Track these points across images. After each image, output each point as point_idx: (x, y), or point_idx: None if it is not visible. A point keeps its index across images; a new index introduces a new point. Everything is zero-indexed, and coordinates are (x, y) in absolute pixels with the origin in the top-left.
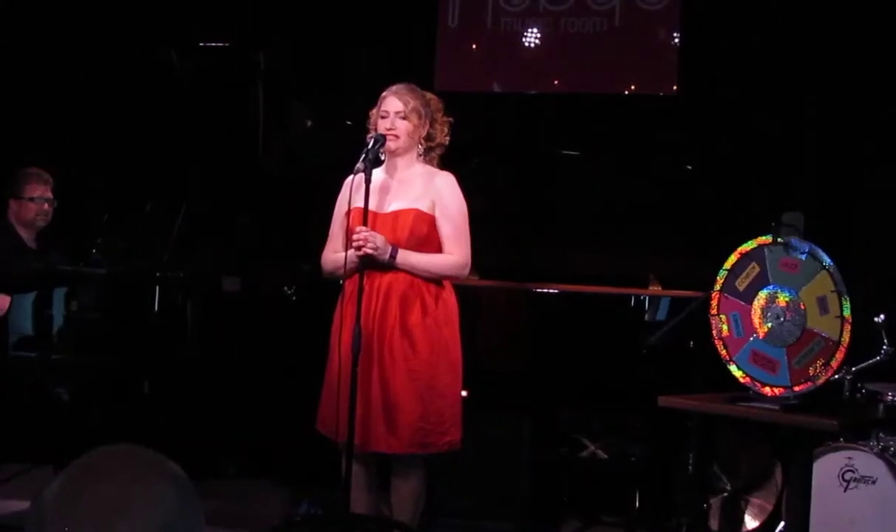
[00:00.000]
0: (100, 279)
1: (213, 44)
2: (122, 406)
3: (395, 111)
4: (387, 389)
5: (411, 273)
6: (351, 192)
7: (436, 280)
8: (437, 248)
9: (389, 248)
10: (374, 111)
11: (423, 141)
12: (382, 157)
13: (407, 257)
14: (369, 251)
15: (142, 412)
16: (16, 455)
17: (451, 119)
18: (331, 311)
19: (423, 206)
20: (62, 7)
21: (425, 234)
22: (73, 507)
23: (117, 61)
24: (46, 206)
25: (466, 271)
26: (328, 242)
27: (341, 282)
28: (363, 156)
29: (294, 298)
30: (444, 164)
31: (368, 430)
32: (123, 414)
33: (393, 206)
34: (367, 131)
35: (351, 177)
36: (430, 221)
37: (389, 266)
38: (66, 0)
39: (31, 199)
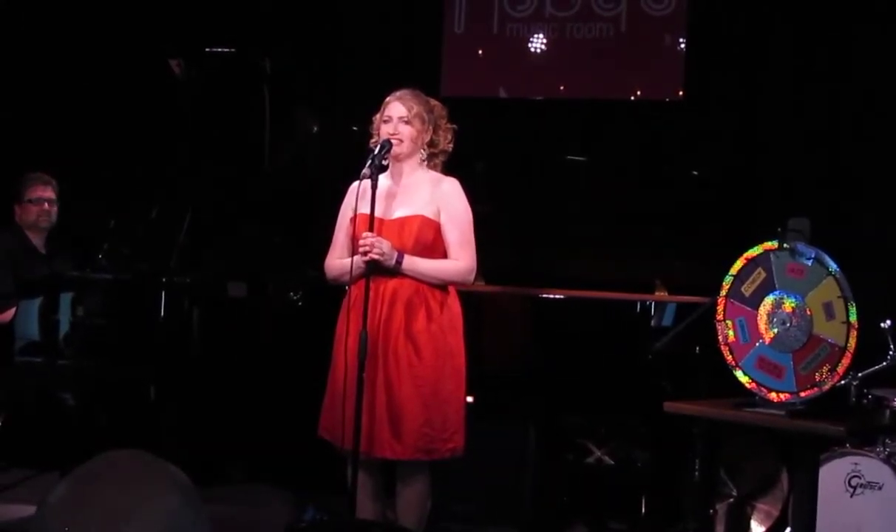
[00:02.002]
0: (106, 285)
1: (219, 50)
2: (128, 412)
3: (398, 116)
4: (392, 395)
5: (417, 279)
6: (357, 198)
7: (441, 286)
8: (443, 254)
9: (395, 254)
10: (378, 116)
11: (426, 147)
12: (386, 163)
13: (413, 263)
14: (375, 257)
15: (147, 418)
16: (22, 460)
17: (454, 126)
18: (337, 317)
19: (429, 213)
20: (68, 13)
21: (431, 241)
22: (78, 512)
23: (123, 67)
24: (46, 205)
25: (472, 277)
26: (332, 249)
27: (347, 287)
28: (369, 162)
29: (300, 304)
30: (450, 169)
31: (373, 436)
32: (129, 420)
33: (398, 212)
34: (371, 136)
35: (356, 183)
36: (435, 228)
37: (395, 272)
38: (72, 6)
39: (30, 201)
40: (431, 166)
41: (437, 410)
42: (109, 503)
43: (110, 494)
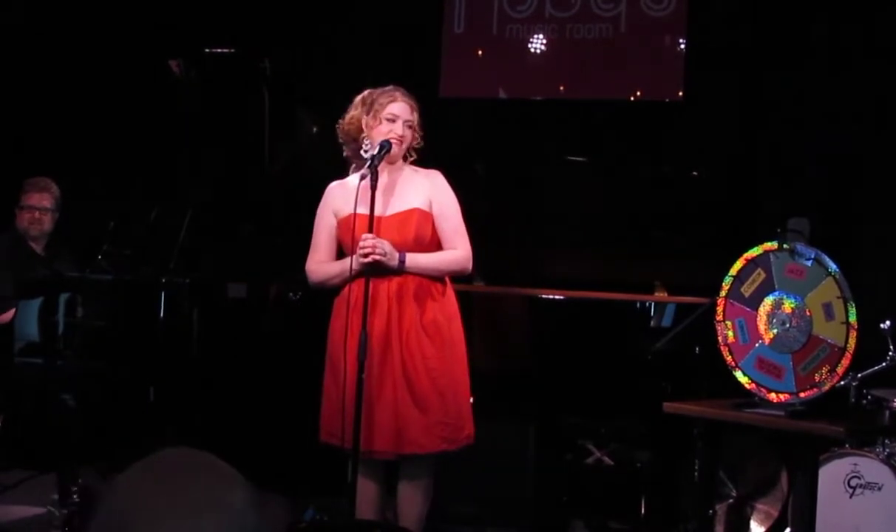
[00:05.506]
0: (105, 286)
1: (219, 50)
2: (128, 413)
3: (405, 119)
4: (413, 391)
5: (419, 274)
6: (356, 198)
7: (440, 278)
8: (437, 246)
9: (397, 254)
10: (367, 111)
11: (412, 148)
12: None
13: (415, 260)
14: (378, 257)
15: (147, 419)
16: (22, 461)
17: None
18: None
19: (423, 206)
20: (67, 14)
21: (430, 234)
22: (156, 496)
23: (124, 68)
24: (37, 214)
25: (471, 264)
26: (312, 251)
27: (345, 288)
28: (369, 162)
29: (300, 305)
30: (450, 169)
31: (400, 434)
32: (129, 421)
33: (394, 208)
34: (360, 129)
35: (333, 183)
36: (431, 220)
37: (396, 270)
38: (72, 7)
39: (25, 208)
40: (410, 161)
41: (452, 400)
42: (189, 495)
43: (191, 487)
